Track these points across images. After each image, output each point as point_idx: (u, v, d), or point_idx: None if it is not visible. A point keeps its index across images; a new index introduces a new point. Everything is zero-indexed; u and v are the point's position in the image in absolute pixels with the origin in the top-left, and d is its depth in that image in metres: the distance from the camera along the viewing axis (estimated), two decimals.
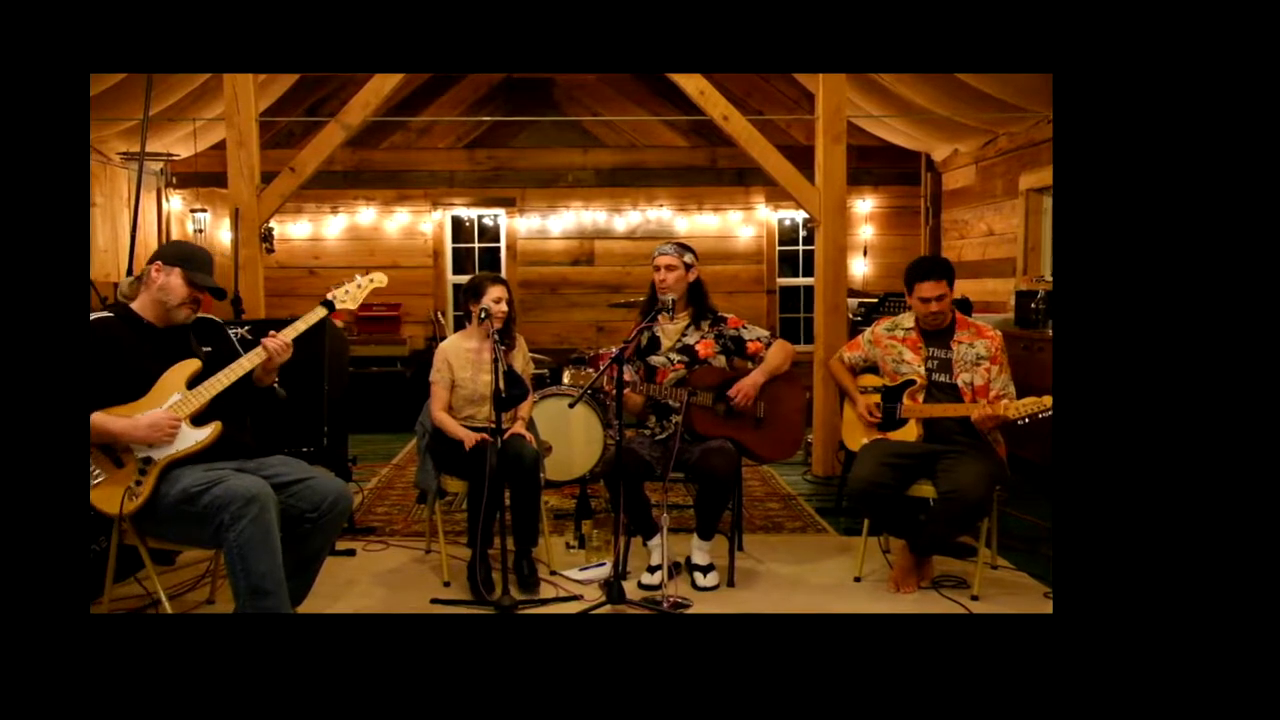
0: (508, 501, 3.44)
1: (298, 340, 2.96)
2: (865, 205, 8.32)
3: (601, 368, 3.46)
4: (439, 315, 8.09)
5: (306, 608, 3.00)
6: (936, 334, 3.57)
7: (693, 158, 8.36)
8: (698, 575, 3.54)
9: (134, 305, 2.87)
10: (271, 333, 2.91)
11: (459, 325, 7.77)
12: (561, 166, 8.36)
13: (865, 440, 3.57)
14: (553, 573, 3.69)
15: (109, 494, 2.67)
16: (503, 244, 8.44)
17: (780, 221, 8.45)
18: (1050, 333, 5.46)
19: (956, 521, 3.34)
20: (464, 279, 4.70)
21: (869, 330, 3.81)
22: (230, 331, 3.13)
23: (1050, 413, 3.17)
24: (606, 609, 3.22)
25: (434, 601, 3.38)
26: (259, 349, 2.86)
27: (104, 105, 5.60)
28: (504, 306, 3.59)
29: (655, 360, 3.72)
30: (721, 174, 8.33)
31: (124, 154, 6.93)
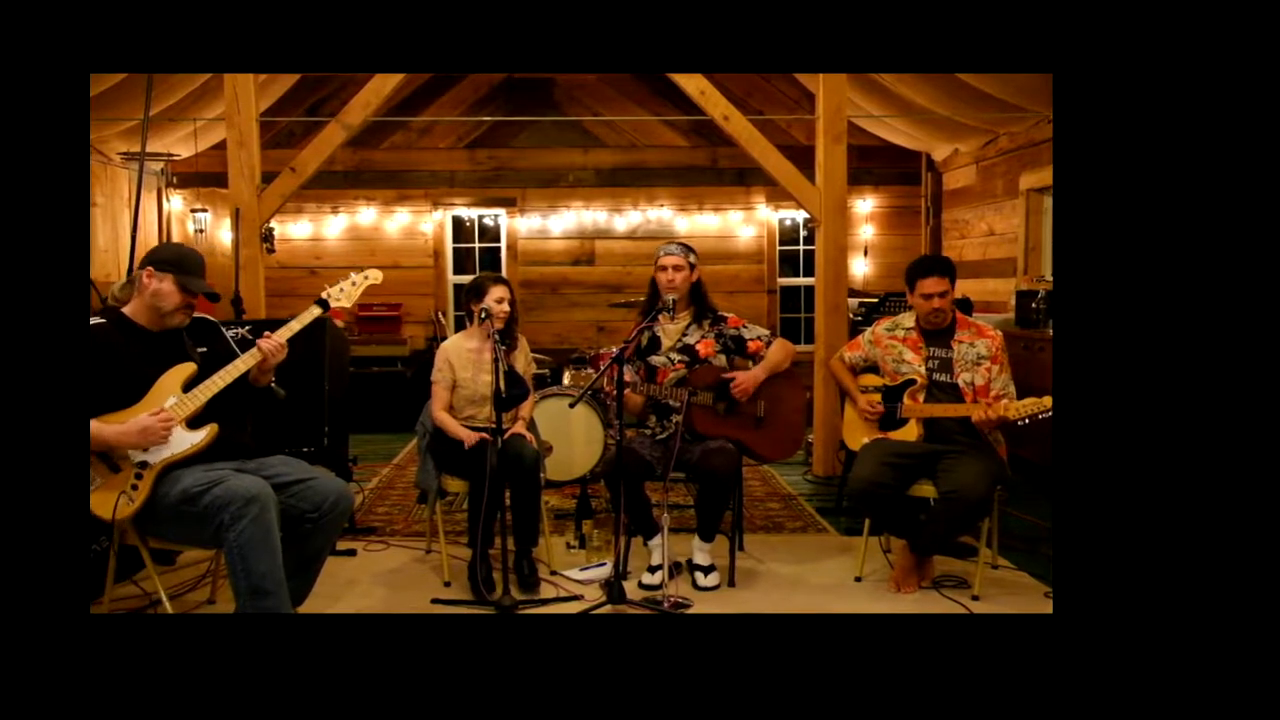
0: (508, 501, 3.45)
1: (298, 340, 2.96)
2: (866, 205, 8.32)
3: (602, 368, 3.46)
4: (439, 315, 8.08)
5: (307, 608, 3.00)
6: (937, 334, 3.57)
7: (693, 158, 8.36)
8: (698, 575, 3.55)
9: (126, 310, 2.86)
10: (266, 333, 2.91)
11: (459, 325, 7.78)
12: (562, 166, 8.36)
13: (866, 440, 3.57)
14: (553, 573, 3.69)
15: (105, 499, 2.66)
16: (503, 244, 8.44)
17: (781, 221, 8.45)
18: (1050, 333, 5.46)
19: (957, 521, 3.34)
20: (465, 279, 4.72)
21: (869, 330, 3.81)
22: (230, 331, 3.13)
23: (1050, 414, 3.17)
24: (607, 609, 3.23)
25: (434, 601, 3.38)
26: (254, 350, 2.86)
27: (104, 105, 5.59)
28: (506, 307, 3.60)
29: (656, 360, 3.72)
30: (722, 174, 8.32)
31: (124, 154, 6.93)
